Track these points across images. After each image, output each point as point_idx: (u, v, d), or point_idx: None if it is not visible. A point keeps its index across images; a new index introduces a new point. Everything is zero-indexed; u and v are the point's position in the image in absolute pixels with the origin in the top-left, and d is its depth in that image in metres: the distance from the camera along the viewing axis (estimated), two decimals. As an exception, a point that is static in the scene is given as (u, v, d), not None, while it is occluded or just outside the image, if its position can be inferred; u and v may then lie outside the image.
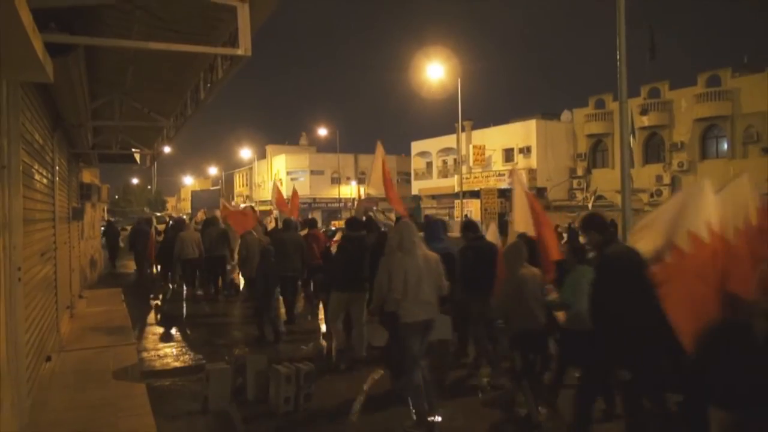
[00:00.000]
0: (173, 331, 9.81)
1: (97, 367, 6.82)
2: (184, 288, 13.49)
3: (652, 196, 32.16)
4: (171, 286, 14.12)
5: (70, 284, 9.64)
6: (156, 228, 16.43)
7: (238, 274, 12.99)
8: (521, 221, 6.59)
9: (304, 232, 11.08)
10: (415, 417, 5.23)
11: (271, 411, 5.74)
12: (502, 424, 5.60)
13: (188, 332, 9.52)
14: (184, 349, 8.42)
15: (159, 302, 12.81)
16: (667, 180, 33.37)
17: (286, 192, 20.36)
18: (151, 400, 5.74)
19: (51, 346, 6.69)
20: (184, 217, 21.60)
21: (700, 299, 3.77)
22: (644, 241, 4.31)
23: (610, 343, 4.29)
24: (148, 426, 5.02)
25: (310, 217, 15.51)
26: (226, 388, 5.95)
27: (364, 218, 9.50)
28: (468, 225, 7.59)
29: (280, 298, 9.72)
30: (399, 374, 5.66)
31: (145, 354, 8.11)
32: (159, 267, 15.66)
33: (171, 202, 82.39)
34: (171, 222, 18.10)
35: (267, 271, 8.86)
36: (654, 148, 34.68)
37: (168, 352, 8.29)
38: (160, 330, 9.91)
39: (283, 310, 10.04)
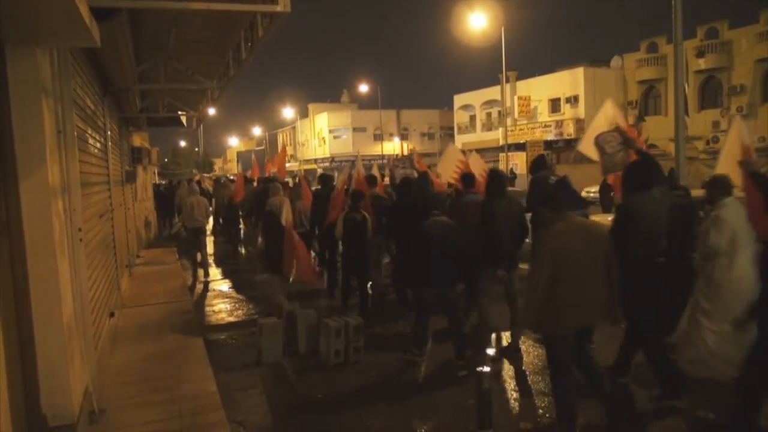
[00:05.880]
0: (225, 287, 10.16)
1: (156, 322, 7.17)
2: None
3: (707, 143, 30.67)
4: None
5: (127, 244, 10.06)
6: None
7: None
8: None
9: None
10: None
11: (322, 363, 5.94)
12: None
13: (239, 288, 9.83)
14: (237, 305, 8.72)
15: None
16: (724, 126, 31.63)
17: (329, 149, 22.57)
18: (208, 352, 6.02)
19: (113, 302, 7.04)
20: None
21: None
22: None
23: None
24: (207, 377, 5.27)
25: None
26: (278, 341, 6.17)
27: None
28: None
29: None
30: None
31: (200, 309, 8.45)
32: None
33: (218, 163, 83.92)
34: (170, 183, 23.06)
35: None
36: (711, 92, 32.94)
37: (222, 307, 8.61)
38: (213, 285, 10.29)
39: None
